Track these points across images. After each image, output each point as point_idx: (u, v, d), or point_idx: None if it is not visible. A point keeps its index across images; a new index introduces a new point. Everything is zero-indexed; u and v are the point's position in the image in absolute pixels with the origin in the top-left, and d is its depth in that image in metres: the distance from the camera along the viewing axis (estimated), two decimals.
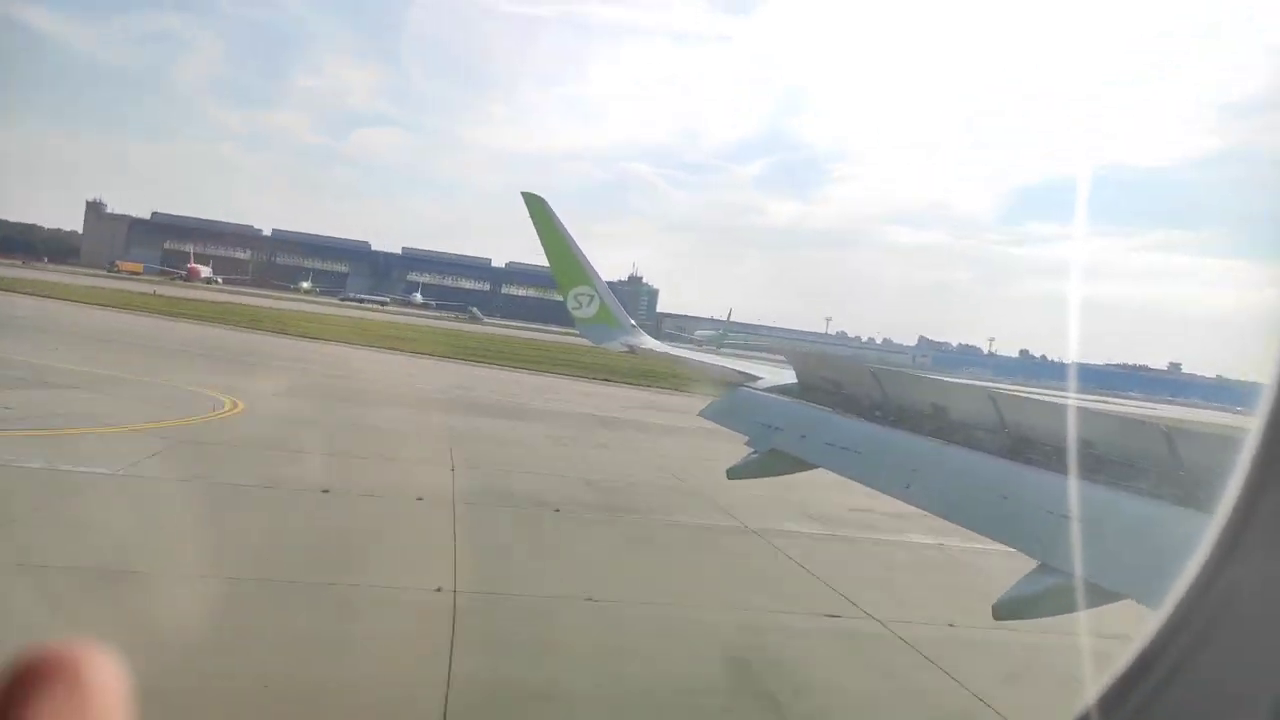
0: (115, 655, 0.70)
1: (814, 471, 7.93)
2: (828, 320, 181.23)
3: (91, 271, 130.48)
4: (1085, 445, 5.17)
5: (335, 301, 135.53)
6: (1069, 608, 4.05)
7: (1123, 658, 1.63)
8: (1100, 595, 3.75)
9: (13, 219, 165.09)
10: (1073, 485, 4.95)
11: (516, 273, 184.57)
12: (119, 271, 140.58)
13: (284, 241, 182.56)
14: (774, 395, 9.76)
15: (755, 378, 10.71)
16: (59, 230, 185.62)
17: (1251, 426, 1.68)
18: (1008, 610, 4.47)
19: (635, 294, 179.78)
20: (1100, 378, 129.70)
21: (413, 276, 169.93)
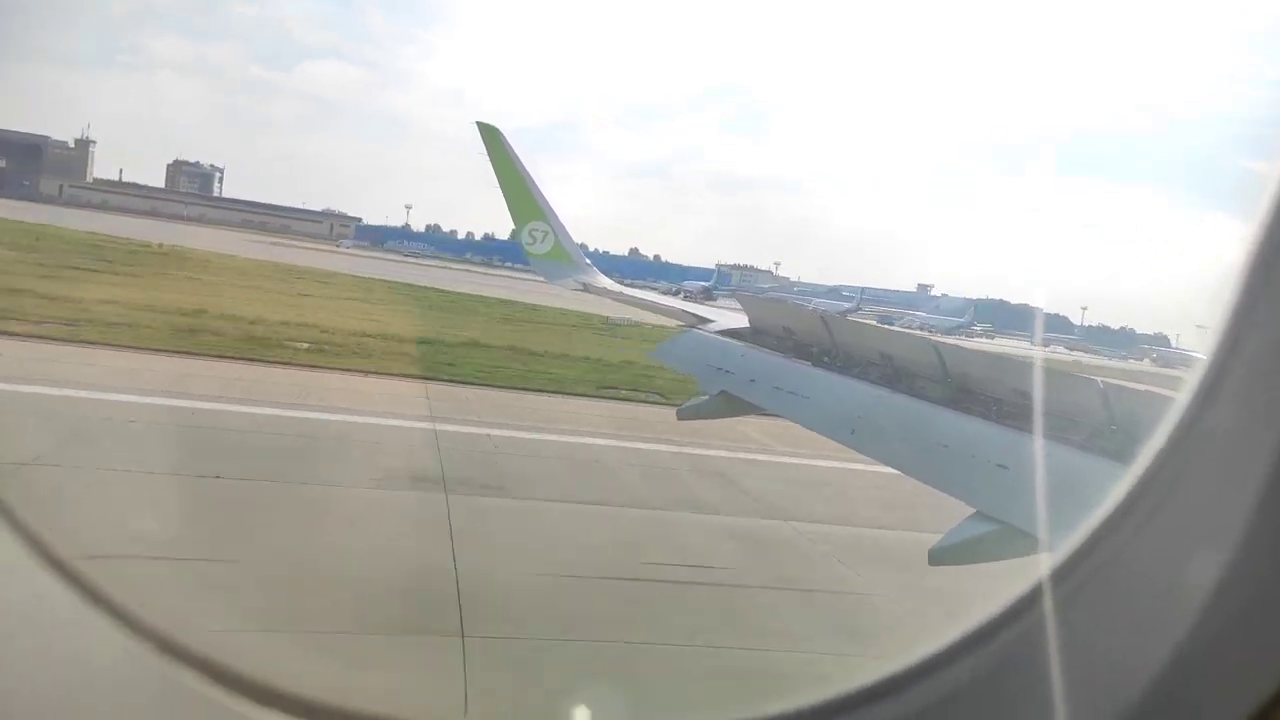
0: None
1: None
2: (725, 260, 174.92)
3: None
4: (1023, 397, 5.30)
5: None
6: (1001, 555, 4.18)
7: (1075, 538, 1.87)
8: (1030, 544, 3.87)
9: None
10: (1009, 436, 5.09)
11: None
12: None
13: None
14: (725, 338, 9.81)
15: (707, 320, 10.75)
16: None
17: (1180, 393, 1.76)
18: (942, 556, 4.60)
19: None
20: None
21: None
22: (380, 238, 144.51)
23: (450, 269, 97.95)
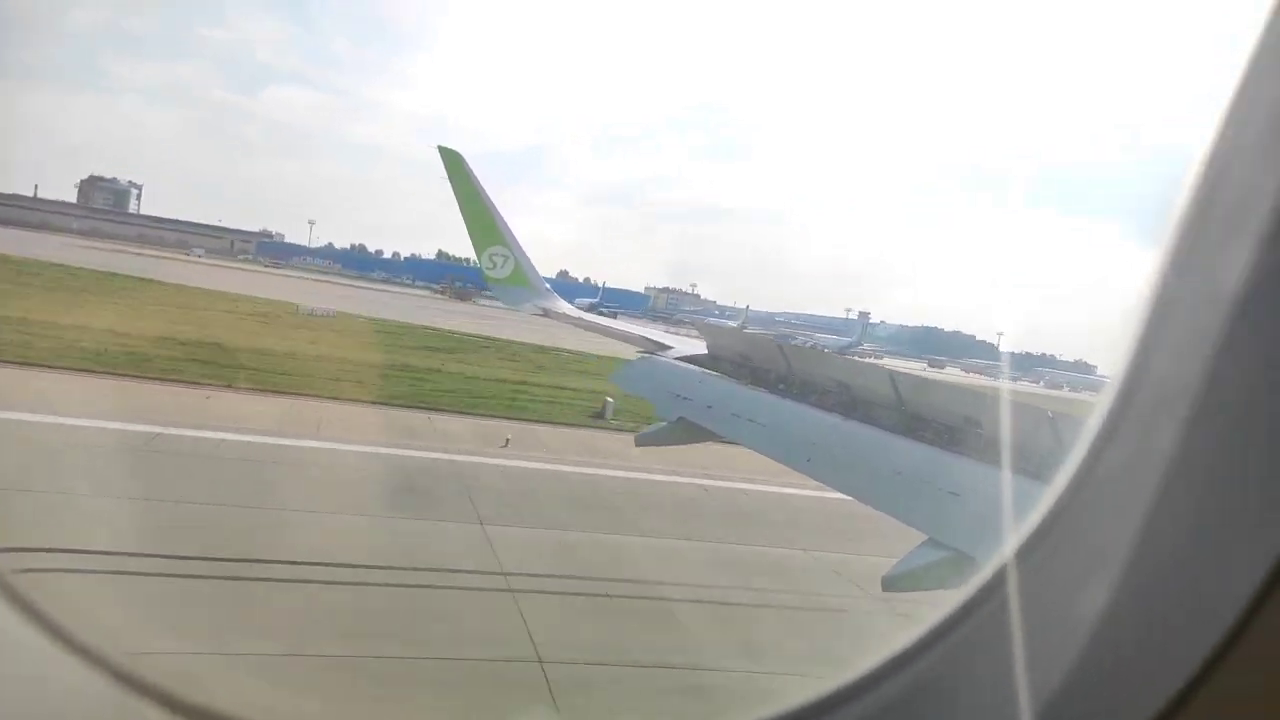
0: None
1: None
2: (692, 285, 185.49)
3: None
4: (975, 425, 5.40)
5: None
6: (952, 582, 4.22)
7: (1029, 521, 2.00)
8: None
9: None
10: (961, 463, 5.17)
11: None
12: None
13: None
14: (683, 364, 9.86)
15: (666, 346, 10.80)
16: None
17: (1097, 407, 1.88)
18: (896, 583, 4.64)
19: None
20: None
21: None
22: (287, 254, 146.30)
23: (293, 278, 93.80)
